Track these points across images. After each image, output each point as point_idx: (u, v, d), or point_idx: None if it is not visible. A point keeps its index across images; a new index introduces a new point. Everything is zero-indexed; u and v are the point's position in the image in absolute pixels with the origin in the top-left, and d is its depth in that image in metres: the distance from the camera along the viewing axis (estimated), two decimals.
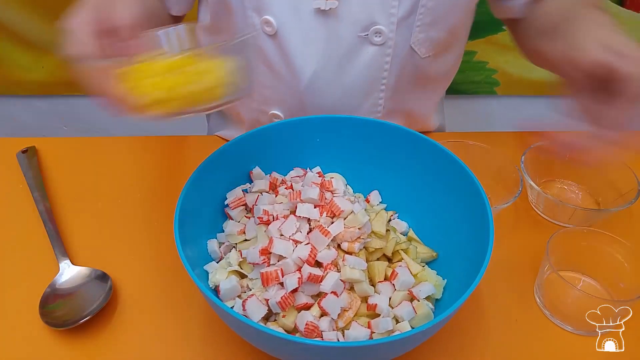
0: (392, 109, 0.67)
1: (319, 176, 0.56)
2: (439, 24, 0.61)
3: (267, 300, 0.45)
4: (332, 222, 0.49)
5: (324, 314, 0.45)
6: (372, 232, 0.51)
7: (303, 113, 0.62)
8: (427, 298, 0.48)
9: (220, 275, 0.49)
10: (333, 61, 0.61)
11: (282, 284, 0.45)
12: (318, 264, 0.47)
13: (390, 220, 0.57)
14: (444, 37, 0.63)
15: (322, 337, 0.44)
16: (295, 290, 0.45)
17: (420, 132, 0.55)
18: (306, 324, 0.43)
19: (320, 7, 0.56)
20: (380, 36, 0.58)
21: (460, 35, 0.68)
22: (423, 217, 0.56)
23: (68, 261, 0.55)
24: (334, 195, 0.51)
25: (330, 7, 0.56)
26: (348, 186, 0.59)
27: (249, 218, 0.53)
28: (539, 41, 0.59)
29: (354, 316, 0.46)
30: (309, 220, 0.49)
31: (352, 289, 0.47)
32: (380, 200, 0.59)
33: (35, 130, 1.55)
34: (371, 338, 0.44)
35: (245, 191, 0.55)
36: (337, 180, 0.53)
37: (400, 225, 0.56)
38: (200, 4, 0.70)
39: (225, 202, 0.54)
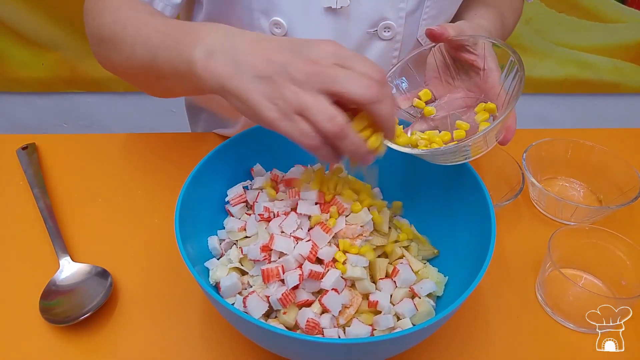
0: None
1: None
2: (442, 16, 0.61)
3: (267, 297, 0.45)
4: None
5: (325, 311, 0.45)
6: (374, 229, 0.51)
7: None
8: (429, 295, 0.48)
9: (220, 272, 0.48)
10: None
11: (282, 280, 0.45)
12: (319, 261, 0.46)
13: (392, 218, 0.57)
14: None
15: (323, 334, 0.44)
16: (296, 287, 0.45)
17: None
18: (307, 321, 0.43)
19: (331, 5, 0.56)
20: (389, 31, 0.59)
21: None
22: (424, 214, 0.56)
23: (68, 258, 0.55)
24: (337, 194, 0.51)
25: (342, 5, 0.56)
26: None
27: (250, 215, 0.53)
28: None
29: (355, 313, 0.46)
30: (309, 217, 0.49)
31: (353, 285, 0.47)
32: (382, 197, 0.59)
33: (35, 128, 1.55)
34: (372, 335, 0.44)
35: (246, 188, 0.55)
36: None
37: (402, 222, 0.56)
38: (196, 8, 0.67)
39: (226, 199, 0.54)
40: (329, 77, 0.38)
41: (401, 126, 0.50)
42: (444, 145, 0.46)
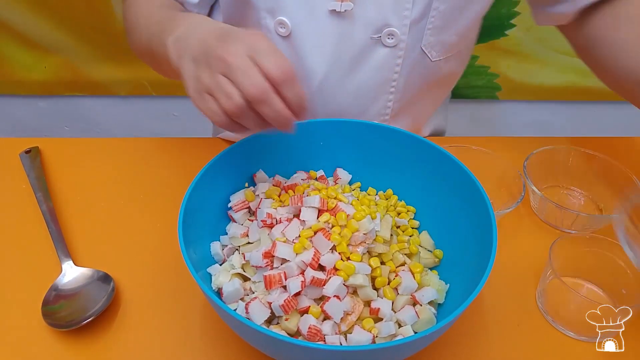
0: (400, 110, 0.68)
1: (322, 179, 0.57)
2: (449, 28, 0.61)
3: (270, 303, 0.45)
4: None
5: (326, 317, 0.45)
6: (377, 237, 0.51)
7: (312, 115, 0.62)
8: (430, 303, 0.48)
9: (223, 277, 0.49)
10: (344, 63, 0.61)
11: (285, 287, 0.45)
12: (321, 268, 0.47)
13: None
14: (455, 41, 0.64)
15: (324, 340, 0.44)
16: (298, 294, 0.45)
17: (424, 135, 0.55)
18: (309, 328, 0.43)
19: (335, 9, 0.56)
20: (392, 38, 0.59)
21: (469, 40, 0.68)
22: (426, 222, 0.56)
23: (71, 262, 0.55)
24: (340, 200, 0.51)
25: (346, 9, 0.56)
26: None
27: (252, 221, 0.53)
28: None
29: (357, 320, 0.46)
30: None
31: (355, 292, 0.47)
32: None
33: (37, 130, 1.55)
34: (374, 342, 0.44)
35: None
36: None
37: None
38: (215, 9, 0.70)
39: (229, 205, 0.54)
40: (230, 67, 0.40)
41: None
42: None
